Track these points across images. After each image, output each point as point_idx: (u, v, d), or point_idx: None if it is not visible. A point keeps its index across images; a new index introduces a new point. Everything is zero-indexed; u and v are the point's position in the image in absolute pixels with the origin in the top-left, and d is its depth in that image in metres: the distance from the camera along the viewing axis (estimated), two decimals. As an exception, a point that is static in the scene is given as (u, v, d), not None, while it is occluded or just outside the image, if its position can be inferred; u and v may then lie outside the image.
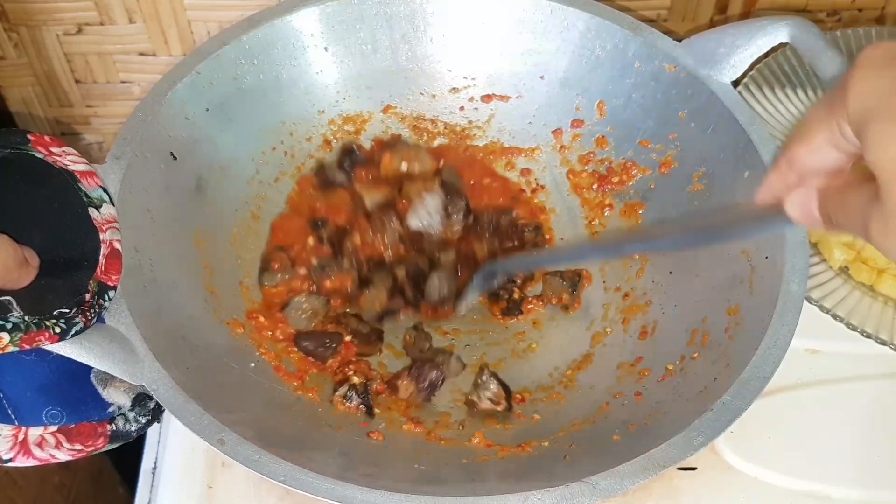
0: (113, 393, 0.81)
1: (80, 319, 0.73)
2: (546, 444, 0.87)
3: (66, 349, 0.73)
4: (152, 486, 0.95)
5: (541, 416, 0.94)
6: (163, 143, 0.95)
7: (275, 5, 1.06)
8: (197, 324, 0.91)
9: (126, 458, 1.05)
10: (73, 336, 0.72)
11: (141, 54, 1.22)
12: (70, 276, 0.76)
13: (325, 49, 1.09)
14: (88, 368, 0.79)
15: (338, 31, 1.09)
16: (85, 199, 0.81)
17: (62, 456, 0.78)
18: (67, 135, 1.33)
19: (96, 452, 0.81)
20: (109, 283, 0.79)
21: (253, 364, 0.92)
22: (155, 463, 0.96)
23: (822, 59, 0.93)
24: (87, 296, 0.75)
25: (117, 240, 0.82)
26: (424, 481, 0.81)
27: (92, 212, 0.81)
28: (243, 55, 1.03)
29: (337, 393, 0.93)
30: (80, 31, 1.18)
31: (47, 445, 0.77)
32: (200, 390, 0.79)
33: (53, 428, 0.78)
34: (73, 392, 0.79)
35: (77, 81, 1.25)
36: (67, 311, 0.73)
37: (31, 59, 1.21)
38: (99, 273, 0.78)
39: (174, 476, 0.94)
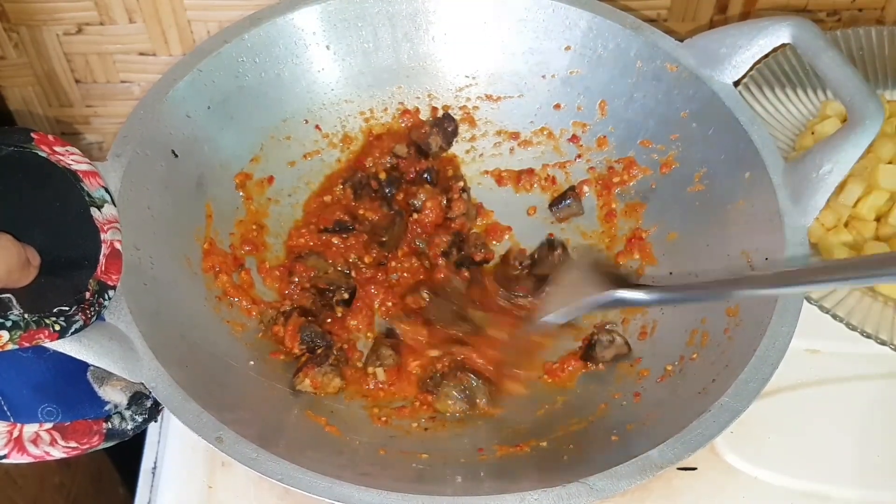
0: (109, 391, 0.81)
1: (79, 318, 0.73)
2: (544, 443, 0.87)
3: (66, 346, 0.73)
4: (152, 486, 0.95)
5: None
6: (164, 141, 0.96)
7: (276, 4, 1.06)
8: (196, 322, 0.91)
9: (126, 458, 1.05)
10: (72, 334, 0.73)
11: (141, 54, 1.22)
12: (70, 275, 0.76)
13: (327, 47, 1.09)
14: (85, 366, 0.79)
15: (339, 30, 1.09)
16: (87, 198, 0.81)
17: (57, 453, 0.78)
18: (68, 134, 1.33)
19: (92, 450, 0.81)
20: (109, 283, 0.79)
21: (252, 362, 0.92)
22: (155, 463, 0.96)
23: (823, 59, 0.92)
24: (87, 294, 0.75)
25: (118, 240, 0.82)
26: (422, 480, 0.82)
27: (94, 212, 0.81)
28: (245, 53, 1.04)
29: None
30: (80, 31, 1.18)
31: (42, 442, 0.77)
32: (199, 388, 0.79)
33: (49, 425, 0.78)
34: (70, 390, 0.79)
35: (77, 81, 1.25)
36: (67, 309, 0.73)
37: (31, 58, 1.21)
38: (99, 272, 0.78)
39: (174, 476, 0.94)
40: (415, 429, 0.91)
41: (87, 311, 0.75)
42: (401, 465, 0.84)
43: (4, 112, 1.28)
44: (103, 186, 0.84)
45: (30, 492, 1.28)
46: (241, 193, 1.05)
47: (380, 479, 0.76)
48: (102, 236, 0.80)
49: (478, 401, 0.94)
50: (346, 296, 1.02)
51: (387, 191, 1.10)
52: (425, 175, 1.11)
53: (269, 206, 1.07)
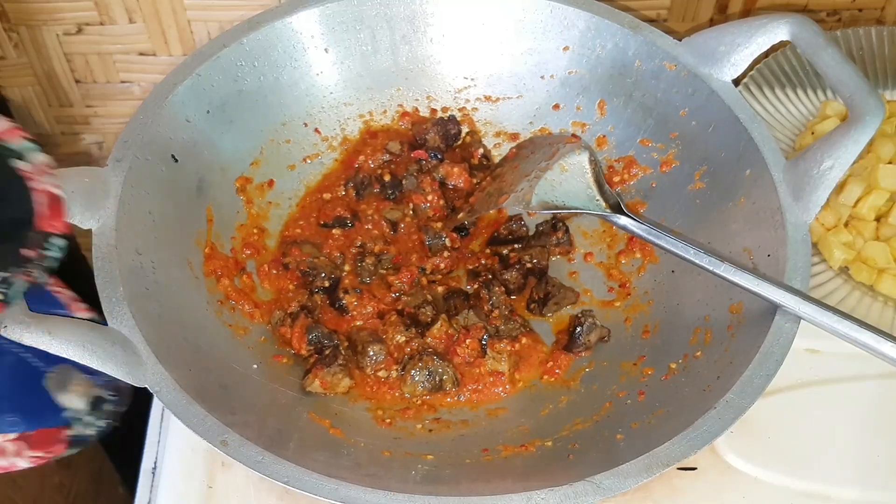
0: (68, 397, 0.80)
1: (21, 279, 0.71)
2: (549, 443, 0.87)
3: (68, 351, 0.73)
4: (152, 486, 0.95)
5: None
6: (164, 146, 0.95)
7: (275, 7, 1.06)
8: (199, 326, 0.91)
9: (126, 458, 1.05)
10: (21, 297, 0.71)
11: (141, 54, 1.22)
12: (6, 237, 0.73)
13: (326, 50, 1.09)
14: (42, 374, 0.78)
15: (338, 33, 1.09)
16: (5, 152, 0.77)
17: (23, 463, 0.77)
18: (67, 134, 1.33)
19: (57, 458, 0.80)
20: (54, 231, 0.75)
21: (255, 365, 0.93)
22: (155, 463, 0.96)
23: (822, 56, 0.93)
24: (30, 251, 0.73)
25: (55, 185, 0.78)
26: (428, 481, 0.82)
27: (15, 163, 0.76)
28: (243, 57, 1.04)
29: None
30: (80, 31, 1.18)
31: (8, 454, 0.76)
32: (203, 392, 0.79)
33: (13, 436, 0.77)
34: (29, 399, 0.78)
35: (77, 81, 1.25)
36: (6, 274, 0.70)
37: (31, 59, 1.21)
38: (39, 223, 0.75)
39: (174, 476, 0.94)
40: (419, 430, 0.91)
41: (32, 271, 0.72)
42: (406, 467, 0.84)
43: (4, 112, 1.28)
44: (27, 138, 0.78)
45: (30, 492, 1.28)
46: (241, 197, 1.05)
47: (385, 480, 0.77)
48: (31, 184, 0.76)
49: (444, 383, 0.95)
50: (326, 283, 1.02)
51: (389, 192, 1.10)
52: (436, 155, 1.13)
53: (270, 209, 1.07)
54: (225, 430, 0.76)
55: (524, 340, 0.99)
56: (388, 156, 1.12)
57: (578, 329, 0.98)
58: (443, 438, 0.91)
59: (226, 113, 1.03)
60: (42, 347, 0.73)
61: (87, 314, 0.84)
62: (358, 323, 1.00)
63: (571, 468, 0.81)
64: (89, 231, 0.85)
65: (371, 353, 0.95)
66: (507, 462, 0.85)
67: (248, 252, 1.03)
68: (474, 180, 1.11)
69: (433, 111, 1.16)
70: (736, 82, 1.02)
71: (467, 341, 0.96)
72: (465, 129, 1.16)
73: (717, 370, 0.85)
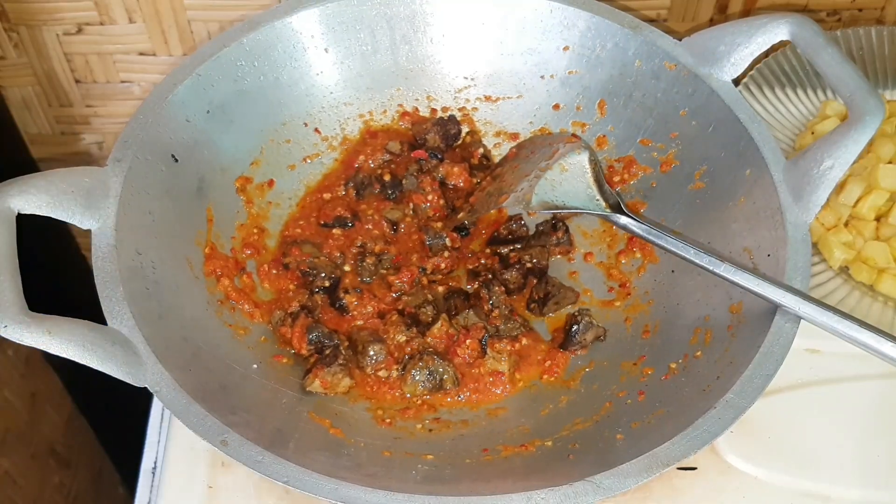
0: None
1: None
2: (549, 443, 0.87)
3: (69, 351, 0.73)
4: (152, 486, 0.95)
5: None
6: (164, 146, 0.95)
7: (275, 7, 1.06)
8: (199, 326, 0.91)
9: (126, 458, 1.05)
10: None
11: (141, 54, 1.22)
12: None
13: (326, 50, 1.09)
14: None
15: (338, 33, 1.09)
16: None
17: None
18: (67, 134, 1.33)
19: None
20: None
21: (255, 365, 0.92)
22: (155, 463, 0.96)
23: (822, 56, 0.93)
24: None
25: None
26: (428, 481, 0.82)
27: None
28: (244, 57, 1.04)
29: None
30: (80, 31, 1.18)
31: None
32: (203, 392, 0.79)
33: None
34: None
35: (77, 81, 1.25)
36: None
37: (31, 59, 1.21)
38: None
39: (174, 476, 0.94)
40: (419, 430, 0.91)
41: None
42: (406, 467, 0.84)
43: (4, 112, 1.28)
44: None
45: (30, 492, 1.28)
46: (241, 197, 1.05)
47: (385, 480, 0.77)
48: None
49: (444, 383, 0.95)
50: (326, 283, 1.02)
51: (389, 192, 1.10)
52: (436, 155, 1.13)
53: (270, 209, 1.07)
54: (225, 430, 0.76)
55: (524, 340, 0.99)
56: (388, 156, 1.12)
57: (575, 327, 0.98)
58: (443, 438, 0.91)
59: (226, 113, 1.03)
60: (42, 347, 0.73)
61: None
62: (358, 323, 1.00)
63: (571, 468, 0.81)
64: (89, 231, 0.85)
65: (371, 353, 0.95)
66: (507, 462, 0.85)
67: (248, 252, 1.03)
68: (474, 180, 1.11)
69: (433, 111, 1.16)
70: (736, 82, 1.02)
71: (467, 342, 0.96)
72: (465, 129, 1.16)
73: (717, 370, 0.84)
